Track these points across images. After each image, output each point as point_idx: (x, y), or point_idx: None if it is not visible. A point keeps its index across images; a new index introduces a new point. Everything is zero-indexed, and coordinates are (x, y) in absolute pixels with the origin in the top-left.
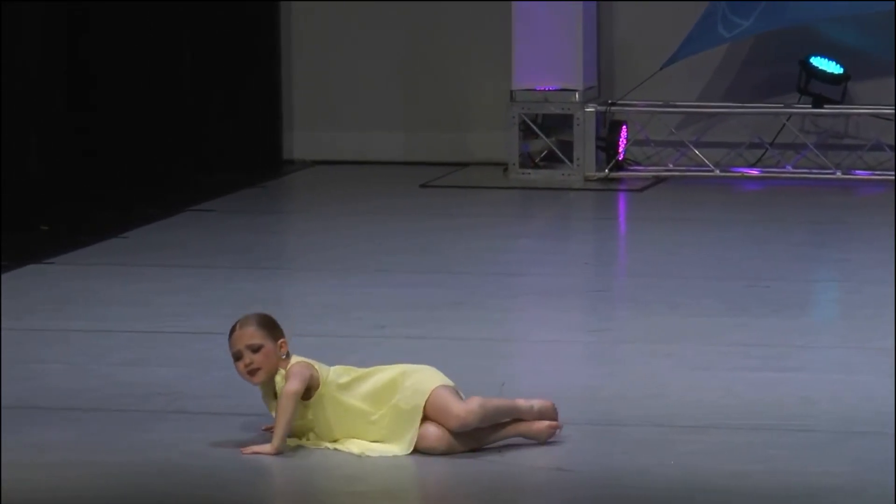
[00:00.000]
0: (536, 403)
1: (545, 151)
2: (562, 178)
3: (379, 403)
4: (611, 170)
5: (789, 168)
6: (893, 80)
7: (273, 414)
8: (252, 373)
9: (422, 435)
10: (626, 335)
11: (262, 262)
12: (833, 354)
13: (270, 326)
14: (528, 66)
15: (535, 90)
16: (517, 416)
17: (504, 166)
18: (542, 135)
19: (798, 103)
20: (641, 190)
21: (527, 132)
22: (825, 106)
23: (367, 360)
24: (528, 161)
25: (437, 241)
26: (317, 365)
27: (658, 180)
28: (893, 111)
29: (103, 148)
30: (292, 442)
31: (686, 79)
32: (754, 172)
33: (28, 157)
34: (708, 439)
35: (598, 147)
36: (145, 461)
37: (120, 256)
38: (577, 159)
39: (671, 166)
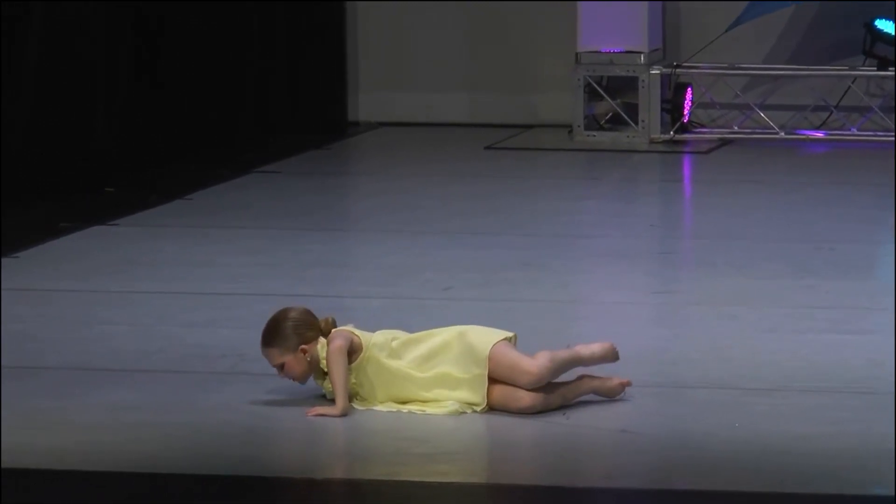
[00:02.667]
0: (597, 348)
1: (610, 114)
2: (627, 141)
3: (428, 367)
4: (676, 132)
5: (854, 130)
6: None
7: (326, 389)
8: (293, 379)
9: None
10: (692, 297)
11: (329, 224)
12: None
13: (284, 339)
14: (593, 29)
15: (600, 52)
16: (580, 364)
17: (569, 128)
18: (607, 97)
19: (863, 66)
20: (707, 152)
21: (592, 94)
22: (890, 68)
23: (434, 321)
24: (593, 123)
25: (502, 203)
26: (357, 331)
27: (723, 143)
28: None
29: (169, 111)
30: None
31: (752, 41)
32: (819, 135)
33: (94, 120)
34: (774, 402)
35: (663, 109)
36: (212, 423)
37: (185, 218)
38: (642, 121)
39: (736, 129)
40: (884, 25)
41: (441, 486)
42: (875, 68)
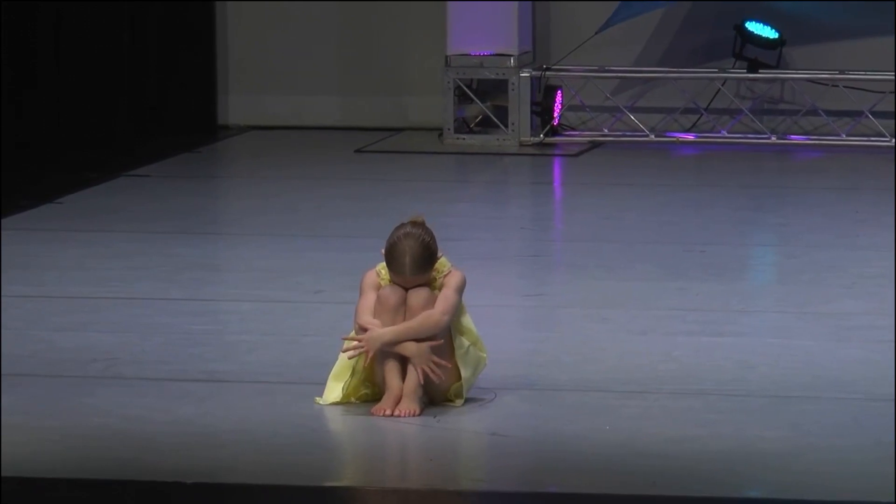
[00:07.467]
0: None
1: (480, 116)
2: (497, 144)
3: None
4: (546, 135)
5: (724, 133)
6: (829, 45)
7: None
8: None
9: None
10: (562, 300)
11: (200, 227)
12: (771, 319)
13: (427, 265)
14: (463, 31)
15: (470, 55)
16: None
17: (439, 131)
18: (476, 100)
19: (733, 68)
20: (577, 155)
21: (462, 97)
22: (760, 71)
23: (307, 324)
24: (463, 126)
25: (373, 205)
26: None
27: (593, 145)
28: (829, 76)
29: (40, 114)
30: (329, 397)
31: (622, 44)
32: (689, 137)
33: None
34: (645, 404)
35: (533, 112)
36: (85, 426)
37: (56, 222)
38: (512, 124)
39: (606, 131)
40: (754, 27)
41: (307, 490)
42: (745, 71)
